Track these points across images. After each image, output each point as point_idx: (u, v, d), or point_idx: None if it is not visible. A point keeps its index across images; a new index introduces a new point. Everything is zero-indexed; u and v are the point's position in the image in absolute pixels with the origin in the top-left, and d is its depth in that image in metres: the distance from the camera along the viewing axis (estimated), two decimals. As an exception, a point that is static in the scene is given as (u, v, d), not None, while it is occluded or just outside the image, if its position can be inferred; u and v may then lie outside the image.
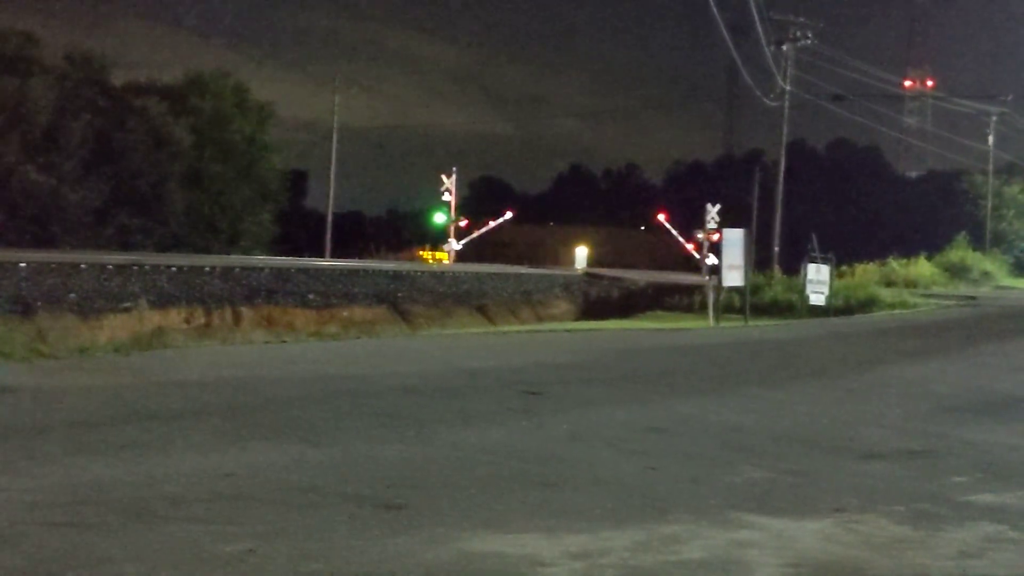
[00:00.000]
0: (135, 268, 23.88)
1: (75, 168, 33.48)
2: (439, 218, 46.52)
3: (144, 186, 36.26)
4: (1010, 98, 55.53)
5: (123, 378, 13.65)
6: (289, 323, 25.23)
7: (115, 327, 21.55)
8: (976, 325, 27.78)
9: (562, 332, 24.38)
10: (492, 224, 51.60)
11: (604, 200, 76.69)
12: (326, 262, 32.88)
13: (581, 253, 54.79)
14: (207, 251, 31.11)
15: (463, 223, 47.01)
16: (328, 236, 49.59)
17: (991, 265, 50.50)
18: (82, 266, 22.95)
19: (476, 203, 58.48)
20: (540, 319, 31.56)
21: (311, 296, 27.25)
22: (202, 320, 23.91)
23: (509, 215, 54.01)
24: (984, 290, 44.50)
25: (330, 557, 5.65)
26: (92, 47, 38.82)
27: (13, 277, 21.08)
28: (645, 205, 65.40)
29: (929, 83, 52.16)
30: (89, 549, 5.78)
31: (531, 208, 72.77)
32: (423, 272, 33.73)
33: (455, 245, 45.96)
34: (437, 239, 47.32)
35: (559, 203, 76.11)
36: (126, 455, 8.43)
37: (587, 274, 40.16)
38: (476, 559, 5.72)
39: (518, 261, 41.55)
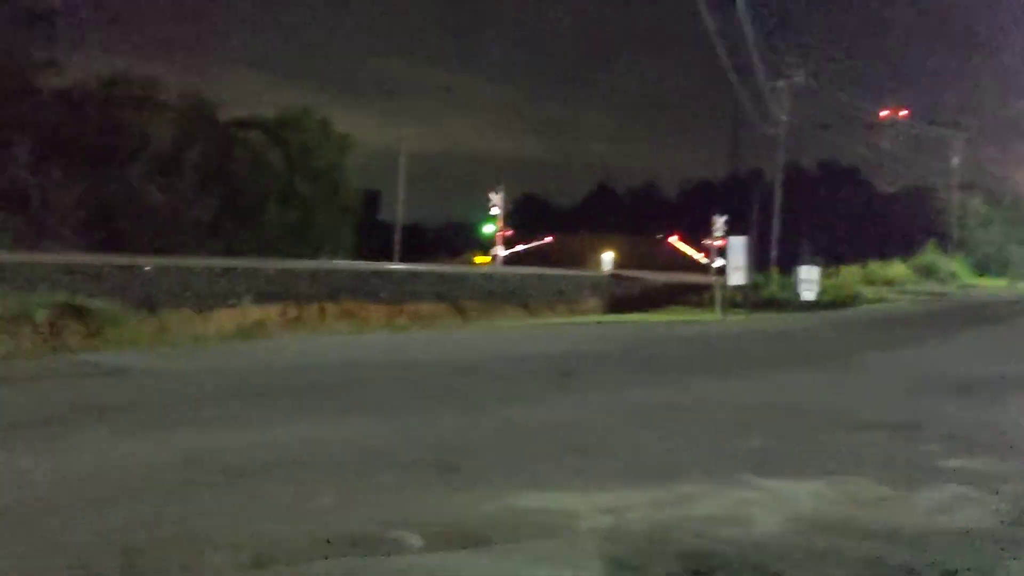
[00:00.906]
0: (239, 271, 24.06)
1: (190, 189, 33.80)
2: (488, 228, 46.76)
3: (246, 204, 36.56)
4: (970, 128, 54.89)
5: (229, 362, 13.78)
6: (365, 316, 25.30)
7: (223, 320, 21.71)
8: (946, 317, 27.42)
9: (592, 324, 24.31)
10: (535, 244, 51.96)
11: (627, 212, 76.33)
12: (395, 266, 32.92)
13: (607, 257, 54.54)
14: (298, 257, 31.24)
15: (508, 233, 47.18)
16: (397, 244, 49.78)
17: (956, 266, 49.88)
18: (196, 269, 23.17)
19: (519, 216, 58.34)
20: (573, 313, 31.45)
21: (383, 294, 27.31)
22: (294, 314, 24.03)
23: (549, 239, 54.37)
24: (951, 287, 43.93)
25: (402, 510, 5.64)
26: (204, 88, 39.16)
27: (140, 279, 21.32)
28: (662, 217, 65.09)
29: (902, 113, 51.53)
30: (201, 505, 5.81)
31: (565, 220, 72.66)
32: (475, 274, 33.78)
33: (502, 252, 46.04)
34: (486, 246, 47.44)
35: (588, 215, 75.78)
36: (231, 426, 8.47)
37: (613, 275, 39.99)
38: (522, 513, 5.69)
39: (555, 265, 41.40)
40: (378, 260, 35.19)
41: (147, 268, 21.86)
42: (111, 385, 11.24)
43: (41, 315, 16.35)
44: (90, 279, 19.88)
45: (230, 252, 29.41)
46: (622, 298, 34.26)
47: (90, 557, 4.66)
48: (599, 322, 25.21)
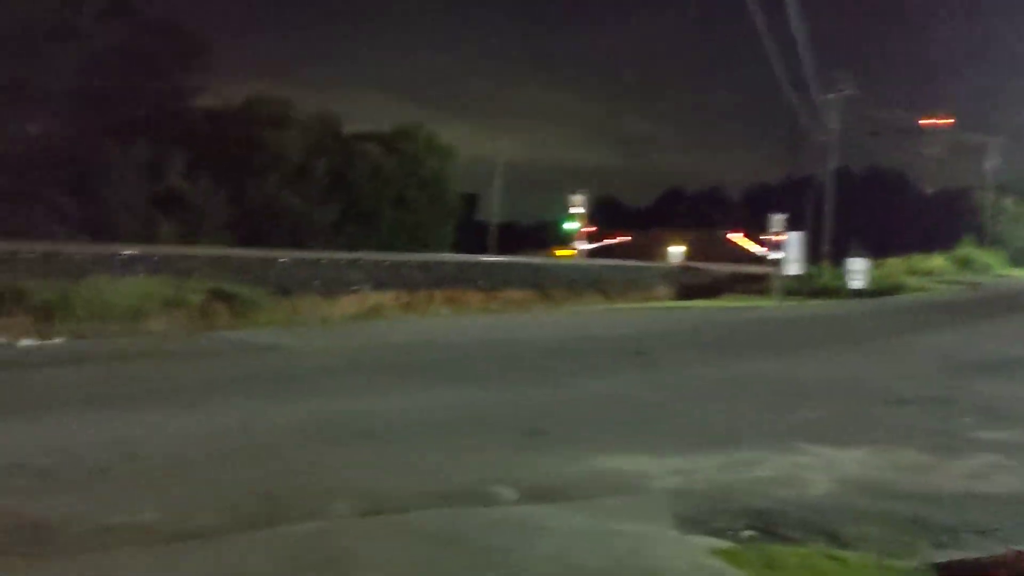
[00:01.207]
0: (360, 263, 24.42)
1: (318, 194, 34.42)
2: (569, 226, 46.71)
3: (365, 206, 37.09)
4: (1004, 135, 52.76)
5: (351, 340, 14.01)
6: (466, 302, 25.42)
7: (346, 304, 22.02)
8: (980, 304, 26.39)
9: (663, 309, 24.07)
10: (615, 240, 51.39)
11: (694, 212, 75.14)
12: (491, 258, 32.99)
13: (675, 251, 53.75)
14: (408, 251, 31.56)
15: (591, 230, 47.01)
16: (492, 239, 49.97)
17: (991, 258, 47.94)
18: (323, 261, 23.59)
19: (599, 215, 57.84)
20: (646, 300, 31.13)
21: (480, 282, 27.36)
22: (406, 299, 24.24)
23: (628, 238, 53.64)
24: (985, 278, 42.22)
25: (497, 468, 5.68)
26: (329, 106, 39.74)
27: (277, 269, 21.77)
28: (726, 215, 63.98)
29: (944, 121, 49.37)
30: (329, 459, 5.93)
31: (639, 219, 71.87)
32: (560, 265, 33.72)
33: (585, 247, 45.86)
34: (568, 242, 47.35)
35: (660, 215, 74.84)
36: (353, 394, 8.63)
37: (681, 267, 39.49)
38: (602, 473, 5.68)
39: (630, 258, 41.03)
40: (476, 253, 35.34)
41: (282, 260, 22.32)
42: (253, 358, 11.53)
43: (194, 299, 16.85)
44: (234, 269, 20.37)
45: (351, 247, 29.86)
46: (689, 287, 33.78)
47: (238, 502, 4.80)
48: (669, 308, 24.95)
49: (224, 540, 4.14)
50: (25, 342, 12.97)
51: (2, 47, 21.71)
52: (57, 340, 13.07)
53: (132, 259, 18.72)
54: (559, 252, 45.34)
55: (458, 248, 39.97)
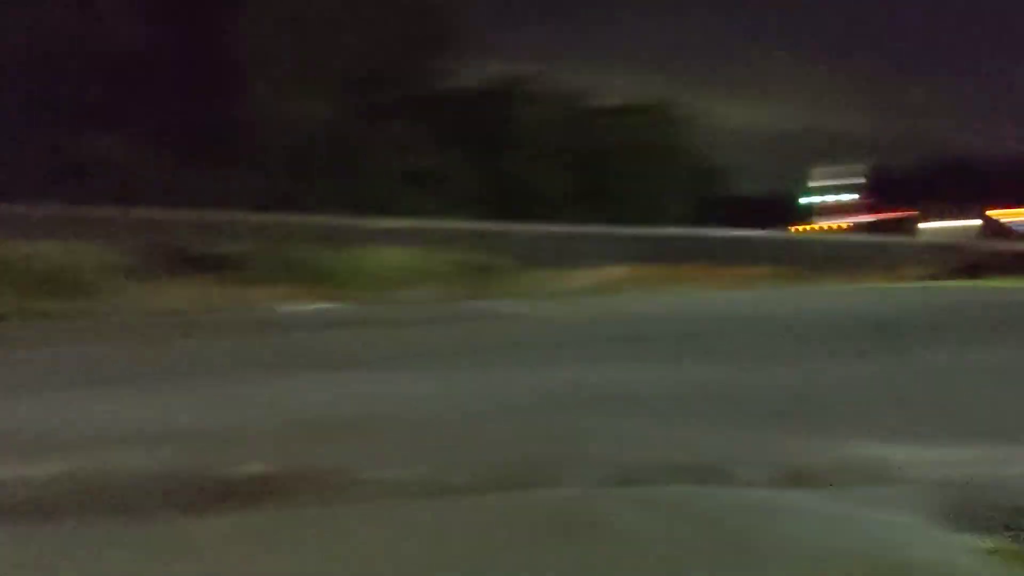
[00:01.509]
0: (598, 236, 24.69)
1: (560, 167, 34.91)
2: (808, 200, 44.77)
3: (606, 180, 37.21)
4: None
5: (590, 311, 14.22)
6: (704, 277, 24.98)
7: (583, 277, 22.34)
8: None
9: (923, 288, 22.49)
10: (894, 215, 47.63)
11: (970, 184, 68.97)
12: (732, 232, 32.05)
13: (930, 227, 49.34)
14: (648, 224, 31.36)
15: (867, 202, 44.57)
16: (734, 214, 48.58)
17: None
18: (562, 234, 24.08)
19: (868, 188, 54.27)
20: (904, 279, 29.16)
21: (717, 257, 26.77)
22: (644, 273, 24.20)
23: (914, 212, 49.35)
24: None
25: (746, 449, 5.55)
26: (575, 81, 39.87)
27: (518, 241, 22.41)
28: (997, 188, 58.16)
29: None
30: (573, 427, 6.06)
31: (904, 190, 67.02)
32: (807, 240, 32.44)
33: (860, 219, 43.41)
34: (809, 216, 45.28)
35: (930, 186, 69.32)
36: (593, 364, 8.75)
37: (949, 242, 36.40)
38: (855, 460, 5.41)
39: (887, 232, 38.52)
40: (721, 227, 34.45)
41: (524, 232, 22.97)
42: (499, 326, 12.00)
43: (444, 269, 17.77)
44: (480, 241, 21.22)
45: (590, 220, 30.14)
46: (958, 264, 31.28)
47: (487, 463, 5.01)
48: (930, 287, 23.27)
49: (479, 498, 4.34)
50: (289, 307, 14.23)
51: (278, 38, 23.78)
52: (318, 306, 14.23)
53: (389, 231, 19.98)
54: (806, 226, 43.41)
55: (697, 222, 39.26)
